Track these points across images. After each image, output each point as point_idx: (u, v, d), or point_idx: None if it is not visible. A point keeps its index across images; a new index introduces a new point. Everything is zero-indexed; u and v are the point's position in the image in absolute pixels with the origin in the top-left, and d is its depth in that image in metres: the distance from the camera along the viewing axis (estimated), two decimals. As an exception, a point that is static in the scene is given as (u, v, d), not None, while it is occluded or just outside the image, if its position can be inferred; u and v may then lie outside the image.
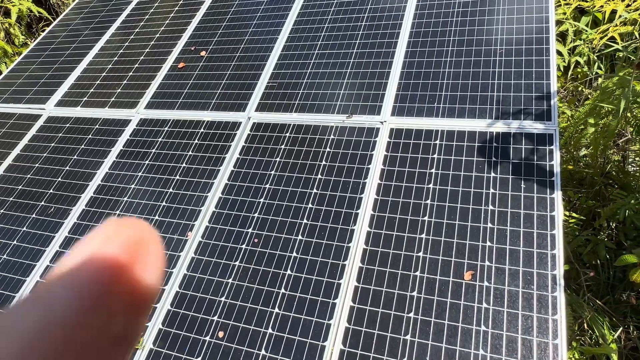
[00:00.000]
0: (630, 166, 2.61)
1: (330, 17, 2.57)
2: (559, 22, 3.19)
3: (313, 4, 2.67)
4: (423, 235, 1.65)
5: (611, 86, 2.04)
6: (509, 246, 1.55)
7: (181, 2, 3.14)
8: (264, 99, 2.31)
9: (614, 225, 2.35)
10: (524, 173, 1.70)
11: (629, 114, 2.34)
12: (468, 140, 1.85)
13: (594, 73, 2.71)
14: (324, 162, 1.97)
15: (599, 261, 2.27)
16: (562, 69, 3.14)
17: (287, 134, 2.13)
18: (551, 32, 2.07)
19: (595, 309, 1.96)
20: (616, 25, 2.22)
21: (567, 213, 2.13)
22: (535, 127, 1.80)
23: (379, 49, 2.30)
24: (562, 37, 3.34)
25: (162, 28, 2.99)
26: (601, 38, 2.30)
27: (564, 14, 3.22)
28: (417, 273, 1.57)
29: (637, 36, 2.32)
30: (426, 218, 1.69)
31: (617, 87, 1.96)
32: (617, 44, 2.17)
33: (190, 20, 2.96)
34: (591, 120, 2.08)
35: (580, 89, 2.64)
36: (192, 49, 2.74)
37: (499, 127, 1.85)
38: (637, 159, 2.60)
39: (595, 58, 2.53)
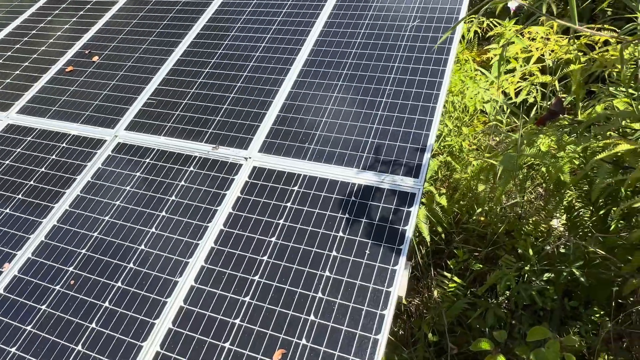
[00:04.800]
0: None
1: (233, 33, 2.36)
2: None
3: (215, 26, 2.47)
4: (247, 299, 1.44)
5: (507, 142, 1.85)
6: (332, 323, 1.34)
7: (93, 1, 2.92)
8: (139, 117, 2.09)
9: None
10: (373, 236, 1.49)
11: (543, 169, 2.16)
12: (327, 191, 1.65)
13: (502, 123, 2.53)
14: (173, 197, 1.75)
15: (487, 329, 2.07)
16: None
17: (148, 160, 1.91)
18: (445, 76, 1.88)
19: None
20: (507, 80, 2.05)
21: (449, 275, 1.94)
22: (400, 183, 1.60)
23: (270, 75, 2.10)
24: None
25: (66, 26, 2.77)
26: (499, 89, 2.12)
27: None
28: (227, 344, 1.36)
29: (538, 89, 2.15)
30: (257, 278, 1.48)
31: (510, 146, 1.77)
32: (519, 95, 1.99)
33: (96, 20, 2.74)
34: (482, 177, 1.89)
35: (483, 139, 2.46)
36: (87, 52, 2.52)
37: (363, 178, 1.64)
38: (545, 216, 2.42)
39: (500, 108, 2.35)
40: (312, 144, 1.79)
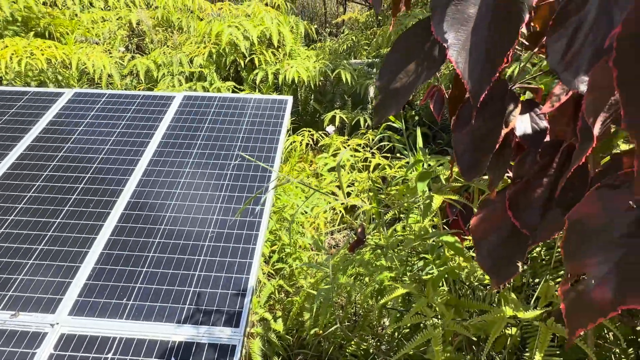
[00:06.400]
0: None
1: (47, 173, 2.23)
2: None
3: (19, 173, 2.32)
4: None
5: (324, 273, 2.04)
6: None
7: None
8: None
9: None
10: (192, 402, 1.46)
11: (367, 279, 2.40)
12: (146, 353, 1.57)
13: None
14: (-48, 389, 1.48)
15: None
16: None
17: None
18: (264, 215, 2.04)
19: None
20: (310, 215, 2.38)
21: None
22: (220, 335, 1.62)
23: (87, 221, 2.01)
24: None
25: None
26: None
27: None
28: None
29: (362, 202, 2.54)
30: None
31: (325, 276, 1.96)
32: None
33: None
34: (307, 305, 2.04)
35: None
36: None
37: (183, 334, 1.62)
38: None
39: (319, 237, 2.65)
40: (131, 299, 1.73)
